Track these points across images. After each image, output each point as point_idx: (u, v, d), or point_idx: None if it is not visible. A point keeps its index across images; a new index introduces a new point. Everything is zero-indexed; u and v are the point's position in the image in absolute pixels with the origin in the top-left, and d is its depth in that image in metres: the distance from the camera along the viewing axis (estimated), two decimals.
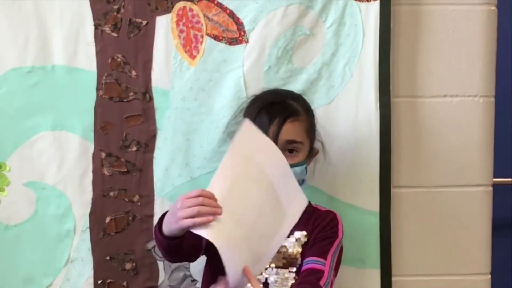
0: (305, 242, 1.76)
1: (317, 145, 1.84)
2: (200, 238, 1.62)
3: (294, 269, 1.75)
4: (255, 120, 1.65)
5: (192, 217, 1.45)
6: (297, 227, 1.70)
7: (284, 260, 1.75)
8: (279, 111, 1.69)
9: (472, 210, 2.10)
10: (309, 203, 1.78)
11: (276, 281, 1.74)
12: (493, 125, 2.09)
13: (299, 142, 1.73)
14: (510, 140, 2.72)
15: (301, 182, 1.78)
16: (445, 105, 2.06)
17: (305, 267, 1.71)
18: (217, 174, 1.53)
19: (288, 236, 1.72)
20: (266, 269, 1.74)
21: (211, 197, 1.48)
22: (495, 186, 2.12)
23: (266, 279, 1.74)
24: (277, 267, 1.75)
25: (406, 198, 2.07)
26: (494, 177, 2.12)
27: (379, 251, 2.04)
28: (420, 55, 2.05)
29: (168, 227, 1.53)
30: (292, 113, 1.71)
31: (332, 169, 1.99)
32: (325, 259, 1.71)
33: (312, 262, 1.70)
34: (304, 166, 1.76)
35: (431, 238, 2.10)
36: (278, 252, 1.73)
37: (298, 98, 1.80)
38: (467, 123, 2.07)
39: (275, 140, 1.66)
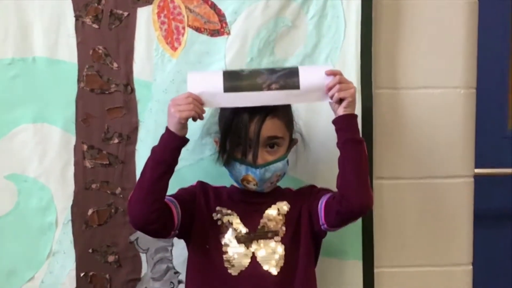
0: (287, 212, 1.80)
1: (295, 135, 1.86)
2: (171, 214, 1.72)
3: (279, 238, 1.78)
4: (234, 118, 1.72)
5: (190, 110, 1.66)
6: (277, 198, 1.81)
7: (269, 233, 1.77)
8: (258, 109, 1.71)
9: (454, 201, 2.11)
10: (279, 186, 1.86)
11: (264, 254, 1.76)
12: (474, 117, 2.10)
13: (280, 137, 1.76)
14: (491, 131, 2.74)
15: (283, 174, 1.80)
16: (427, 96, 2.07)
17: (327, 196, 1.78)
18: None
19: (270, 206, 1.80)
20: (251, 242, 1.76)
21: (198, 99, 1.68)
22: (476, 177, 2.13)
23: (253, 253, 1.76)
24: (261, 238, 1.77)
25: (388, 189, 2.08)
26: (476, 168, 2.14)
27: (361, 242, 2.05)
28: (401, 47, 2.06)
29: (172, 129, 1.68)
30: (271, 109, 1.72)
31: (314, 160, 1.99)
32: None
33: (330, 192, 1.79)
34: (286, 160, 1.79)
35: (413, 229, 2.11)
36: (262, 226, 1.78)
37: None
38: (448, 115, 2.08)
39: (257, 137, 1.70)
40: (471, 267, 2.14)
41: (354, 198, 1.68)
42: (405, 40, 2.06)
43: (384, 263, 2.10)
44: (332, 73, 1.72)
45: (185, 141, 1.69)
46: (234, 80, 1.71)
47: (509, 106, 2.78)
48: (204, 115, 1.71)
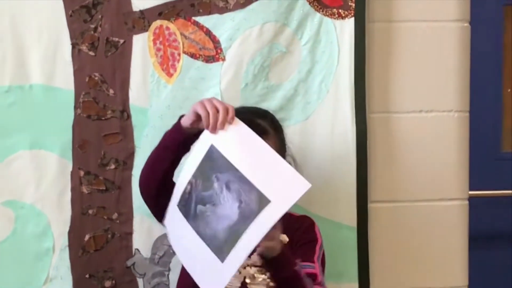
0: (285, 245, 1.75)
1: (287, 159, 1.83)
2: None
3: None
4: None
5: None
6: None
7: (261, 260, 1.74)
8: None
9: (449, 224, 2.12)
10: None
11: (255, 282, 1.74)
12: (468, 140, 2.11)
13: None
14: (485, 153, 2.75)
15: None
16: (421, 120, 2.08)
17: None
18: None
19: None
20: (245, 268, 1.74)
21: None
22: (471, 199, 2.14)
23: (244, 277, 1.75)
24: (255, 265, 1.75)
25: (383, 212, 2.09)
26: (470, 190, 2.15)
27: (357, 265, 2.05)
28: (395, 71, 2.08)
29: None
30: (261, 133, 1.66)
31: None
32: (313, 262, 1.74)
33: (302, 267, 1.71)
34: None
35: (409, 251, 2.12)
36: (258, 252, 1.71)
37: (265, 116, 1.80)
38: (442, 138, 2.09)
39: None
40: None
41: None
42: (398, 65, 2.08)
43: (380, 286, 2.10)
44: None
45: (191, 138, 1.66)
46: None
47: (502, 128, 2.80)
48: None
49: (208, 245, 1.58)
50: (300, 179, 1.53)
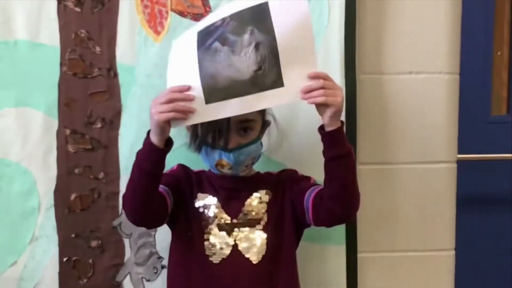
0: (269, 200, 1.79)
1: (268, 117, 1.84)
2: (165, 200, 1.70)
3: (261, 226, 1.77)
4: None
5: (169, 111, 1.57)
6: (258, 186, 1.79)
7: (251, 221, 1.77)
8: None
9: (437, 187, 2.12)
10: (259, 172, 1.85)
11: (246, 242, 1.76)
12: (458, 102, 2.10)
13: (251, 120, 1.73)
14: (474, 117, 2.75)
15: (258, 157, 1.80)
16: (410, 81, 2.07)
17: (314, 193, 1.74)
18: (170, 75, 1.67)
19: (251, 194, 1.79)
20: (233, 230, 1.76)
21: (181, 89, 1.60)
22: (459, 162, 2.14)
23: (235, 241, 1.76)
24: (243, 226, 1.76)
25: (371, 174, 2.09)
26: (459, 153, 2.14)
27: (345, 227, 2.05)
28: (385, 32, 2.06)
29: (152, 134, 1.61)
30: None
31: (298, 146, 1.99)
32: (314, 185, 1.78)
33: (315, 187, 1.76)
34: (259, 142, 1.78)
35: (396, 214, 2.12)
36: (243, 214, 1.77)
37: None
38: (432, 100, 2.08)
39: (227, 122, 1.68)
40: (453, 252, 2.15)
41: (342, 210, 1.68)
42: (389, 25, 2.06)
43: (367, 248, 2.10)
44: (316, 76, 1.60)
45: (167, 149, 1.64)
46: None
47: (492, 92, 2.79)
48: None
49: (202, 81, 1.60)
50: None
